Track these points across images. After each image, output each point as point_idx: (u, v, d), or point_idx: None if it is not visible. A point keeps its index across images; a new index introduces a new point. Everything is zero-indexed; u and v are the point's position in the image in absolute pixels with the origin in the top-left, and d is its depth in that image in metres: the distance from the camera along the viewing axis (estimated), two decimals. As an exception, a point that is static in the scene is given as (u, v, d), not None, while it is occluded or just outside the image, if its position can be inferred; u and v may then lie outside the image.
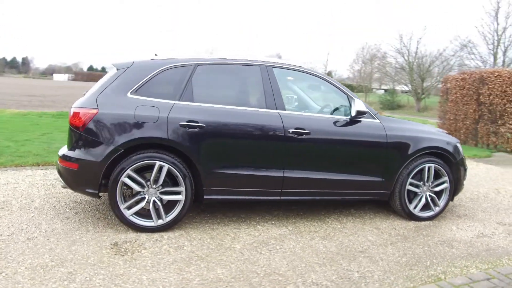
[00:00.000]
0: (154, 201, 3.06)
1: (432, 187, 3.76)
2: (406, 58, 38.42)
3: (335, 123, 3.46)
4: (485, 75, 9.89)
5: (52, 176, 4.68)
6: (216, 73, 3.38)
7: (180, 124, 3.04)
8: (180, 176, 3.06)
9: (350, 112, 3.49)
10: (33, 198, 3.79)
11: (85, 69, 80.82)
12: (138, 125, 2.99)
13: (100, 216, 3.42)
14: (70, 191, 4.12)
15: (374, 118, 3.59)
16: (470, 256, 2.96)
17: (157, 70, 3.16)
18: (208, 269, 2.54)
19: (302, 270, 2.59)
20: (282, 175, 3.30)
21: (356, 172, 3.53)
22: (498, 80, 9.45)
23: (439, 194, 3.80)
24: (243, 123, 3.21)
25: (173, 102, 3.11)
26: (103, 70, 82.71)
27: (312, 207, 3.94)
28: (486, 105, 9.67)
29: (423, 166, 3.66)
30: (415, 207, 3.72)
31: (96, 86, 3.25)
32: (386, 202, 3.80)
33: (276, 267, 2.62)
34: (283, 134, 3.26)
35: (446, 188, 3.79)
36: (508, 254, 3.02)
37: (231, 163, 3.19)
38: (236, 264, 2.63)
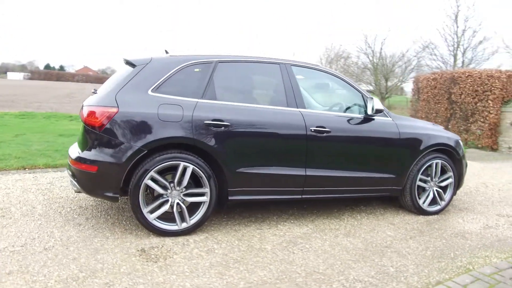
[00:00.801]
0: (177, 204, 2.96)
1: (439, 182, 3.95)
2: (371, 58, 40.04)
3: (351, 121, 3.53)
4: (456, 75, 10.52)
5: (43, 180, 4.38)
6: (236, 70, 3.32)
7: (205, 123, 2.95)
8: (204, 177, 2.98)
9: (366, 110, 3.58)
10: (33, 204, 3.53)
11: (41, 68, 76.08)
12: (162, 124, 2.87)
13: (114, 221, 3.24)
14: (71, 196, 3.89)
15: (387, 116, 3.70)
16: (486, 246, 3.14)
17: (178, 67, 3.04)
18: (248, 271, 2.49)
19: (340, 268, 2.62)
20: (304, 173, 3.31)
21: (371, 169, 3.62)
22: (469, 80, 10.09)
23: (444, 189, 3.99)
24: (267, 121, 3.18)
25: (196, 100, 3.02)
26: (61, 69, 78.33)
27: (325, 205, 3.99)
28: (458, 104, 10.31)
29: (431, 162, 3.84)
30: (423, 202, 3.88)
31: (111, 83, 3.08)
32: (391, 197, 3.92)
33: (314, 266, 2.62)
34: (305, 133, 3.27)
35: (451, 183, 3.99)
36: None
37: (255, 162, 3.15)
38: (275, 265, 2.60)
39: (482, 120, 9.61)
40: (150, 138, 2.83)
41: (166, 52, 3.55)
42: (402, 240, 3.21)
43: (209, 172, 2.99)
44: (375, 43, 40.78)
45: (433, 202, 3.94)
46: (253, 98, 3.32)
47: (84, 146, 2.93)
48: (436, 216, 3.90)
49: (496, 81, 9.48)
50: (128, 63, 3.09)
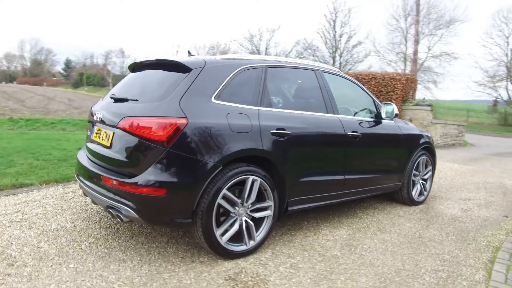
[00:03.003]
0: (245, 221, 2.78)
1: (423, 176, 4.65)
2: None
3: (370, 124, 3.87)
4: (360, 76, 12.17)
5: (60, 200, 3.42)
6: (283, 76, 3.27)
7: (271, 133, 2.85)
8: (269, 189, 2.88)
9: (379, 114, 3.97)
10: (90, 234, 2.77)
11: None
12: (235, 136, 2.65)
13: (166, 246, 2.83)
14: (90, 220, 3.17)
15: (388, 119, 4.18)
16: (483, 227, 3.88)
17: (234, 72, 2.85)
18: (352, 280, 2.56)
19: (411, 262, 2.90)
20: (343, 177, 3.50)
21: (386, 168, 4.05)
22: (374, 82, 11.82)
23: (425, 180, 4.72)
24: (319, 129, 3.25)
25: (257, 108, 2.88)
26: None
27: (333, 206, 4.25)
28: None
29: (420, 158, 4.50)
30: (414, 194, 4.53)
31: (157, 88, 2.68)
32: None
33: (393, 264, 2.84)
34: (345, 139, 3.46)
35: (430, 175, 4.75)
36: (500, 221, 4.11)
37: (310, 170, 3.18)
38: (364, 270, 2.72)
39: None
40: (225, 152, 2.58)
41: (189, 53, 3.26)
42: (423, 229, 3.71)
43: (273, 184, 2.90)
44: (260, 43, 43.30)
45: (420, 193, 4.62)
46: (300, 104, 3.33)
47: (141, 166, 2.47)
48: (424, 205, 4.59)
49: (398, 83, 11.37)
50: (179, 65, 2.72)
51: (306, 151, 3.15)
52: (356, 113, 3.91)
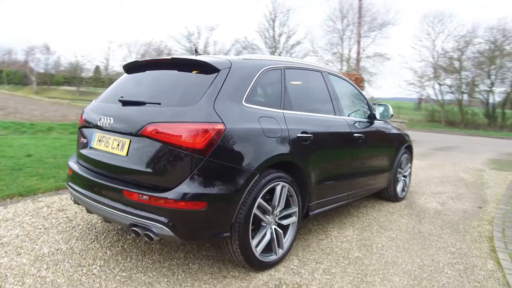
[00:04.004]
0: (274, 230, 2.70)
1: (404, 173, 4.95)
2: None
3: (367, 125, 3.99)
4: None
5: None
6: (298, 78, 3.21)
7: (297, 137, 2.80)
8: (295, 195, 2.83)
9: (372, 114, 4.12)
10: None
11: None
12: (268, 141, 2.55)
13: (186, 262, 2.62)
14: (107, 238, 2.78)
15: (378, 120, 4.37)
16: (467, 218, 4.24)
17: (259, 73, 2.74)
18: (387, 280, 2.62)
19: (427, 257, 3.06)
20: (351, 178, 3.57)
21: (381, 167, 4.22)
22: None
23: (405, 177, 5.03)
24: (333, 131, 3.28)
25: (281, 111, 2.81)
26: None
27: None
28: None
29: (403, 156, 4.78)
30: (399, 191, 4.80)
31: (189, 90, 2.46)
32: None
33: (415, 261, 2.97)
34: (351, 140, 3.53)
35: (410, 172, 5.08)
36: (477, 212, 4.52)
37: (327, 173, 3.19)
38: (393, 269, 2.80)
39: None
40: (261, 158, 2.47)
41: (196, 51, 3.08)
42: (418, 224, 3.94)
43: (297, 189, 2.86)
44: (199, 41, 42.87)
45: (402, 189, 4.92)
46: (314, 107, 3.30)
47: (175, 177, 2.24)
48: (407, 201, 4.89)
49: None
50: (204, 65, 2.53)
51: (324, 154, 3.15)
52: (351, 113, 4.02)
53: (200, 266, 2.68)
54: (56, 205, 3.81)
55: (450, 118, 26.73)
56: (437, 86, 26.42)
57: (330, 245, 3.21)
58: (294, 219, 2.86)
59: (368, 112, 4.16)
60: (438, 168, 7.62)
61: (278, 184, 2.65)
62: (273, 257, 2.69)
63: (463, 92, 24.87)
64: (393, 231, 3.69)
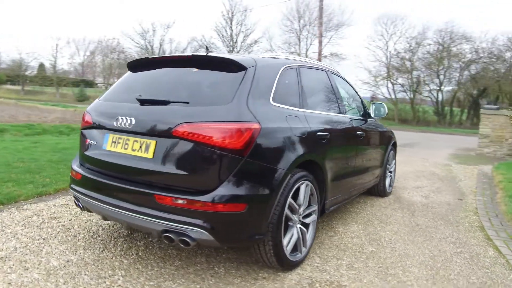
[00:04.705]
0: (299, 229, 2.73)
1: (390, 169, 5.20)
2: (150, 54, 41.11)
3: (364, 123, 4.15)
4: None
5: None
6: (310, 77, 3.25)
7: (317, 135, 2.84)
8: (315, 193, 2.88)
9: (367, 112, 4.29)
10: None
11: None
12: (296, 140, 2.57)
13: (212, 266, 2.56)
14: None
15: (372, 118, 4.56)
16: (453, 210, 4.56)
17: (280, 72, 2.75)
18: (408, 272, 2.75)
19: (434, 249, 3.25)
20: (355, 175, 3.70)
21: (375, 164, 4.41)
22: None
23: (391, 172, 5.29)
24: (343, 129, 3.37)
25: (302, 110, 2.84)
26: None
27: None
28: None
29: (390, 152, 5.03)
30: (387, 186, 5.04)
31: (218, 89, 2.41)
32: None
33: (424, 252, 3.14)
34: (355, 137, 3.65)
35: (394, 167, 5.35)
36: (460, 204, 4.87)
37: (339, 170, 3.28)
38: (410, 260, 2.95)
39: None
40: (291, 158, 2.48)
41: (207, 49, 3.03)
42: (412, 217, 4.17)
43: (317, 187, 2.91)
44: (153, 39, 41.89)
45: (389, 185, 5.17)
46: (323, 105, 3.36)
47: (213, 179, 2.18)
48: (396, 195, 5.15)
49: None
50: (231, 63, 2.48)
51: (336, 152, 3.24)
52: (350, 111, 4.15)
53: (226, 269, 2.64)
54: (46, 213, 3.54)
55: (403, 115, 28.38)
56: (390, 85, 27.94)
57: (342, 241, 3.30)
58: (314, 217, 2.91)
59: (362, 110, 4.32)
60: (409, 164, 8.07)
61: (303, 183, 2.68)
62: (299, 256, 2.72)
63: (414, 91, 26.53)
64: (393, 224, 3.87)
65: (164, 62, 2.80)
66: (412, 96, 26.58)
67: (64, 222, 3.37)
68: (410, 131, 22.45)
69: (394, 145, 5.21)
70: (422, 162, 8.43)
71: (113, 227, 3.32)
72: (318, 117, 3.01)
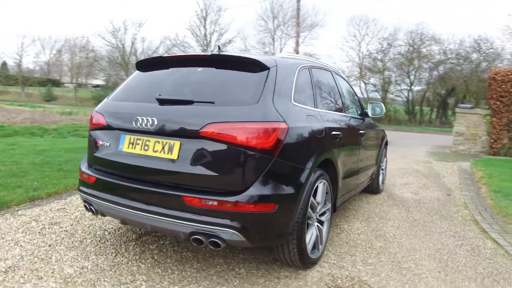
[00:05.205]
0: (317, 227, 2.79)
1: (382, 166, 5.39)
2: (121, 53, 40.18)
3: (363, 122, 4.27)
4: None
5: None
6: (320, 77, 3.30)
7: (332, 134, 2.91)
8: (330, 192, 2.95)
9: (365, 112, 4.42)
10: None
11: None
12: (317, 139, 2.63)
13: (233, 267, 2.57)
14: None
15: (368, 116, 4.71)
16: (445, 205, 4.78)
17: (297, 72, 2.79)
18: (420, 265, 2.87)
19: (435, 243, 3.41)
20: (358, 173, 3.81)
21: (373, 162, 4.55)
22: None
23: (383, 170, 5.48)
24: (350, 128, 3.46)
25: (317, 109, 2.90)
26: None
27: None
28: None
29: (383, 151, 5.20)
30: (380, 183, 5.21)
31: (243, 89, 2.41)
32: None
33: (429, 246, 3.29)
34: (359, 136, 3.76)
35: (386, 165, 5.54)
36: (449, 199, 5.11)
37: (347, 169, 3.36)
38: (418, 254, 3.08)
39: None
40: (314, 157, 2.53)
41: (219, 48, 3.03)
42: (409, 213, 4.35)
43: (331, 186, 2.98)
44: (125, 37, 41.01)
45: (382, 182, 5.35)
46: (331, 105, 3.44)
47: (243, 180, 2.18)
48: (388, 191, 5.33)
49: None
50: (255, 63, 2.49)
51: (346, 151, 3.32)
52: (351, 110, 4.26)
53: (247, 269, 2.65)
54: (44, 218, 3.40)
55: (375, 114, 29.17)
56: (363, 85, 28.70)
57: (351, 238, 3.39)
58: (328, 215, 2.97)
59: (360, 109, 4.45)
60: (391, 162, 8.35)
61: (321, 182, 2.73)
62: (317, 254, 2.77)
63: (386, 91, 27.40)
64: (393, 220, 4.02)
65: (181, 61, 2.76)
66: (383, 95, 27.43)
67: (66, 227, 3.25)
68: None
69: (386, 143, 5.40)
70: (403, 159, 8.75)
71: (118, 231, 3.25)
72: (331, 116, 3.09)
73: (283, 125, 2.30)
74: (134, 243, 3.00)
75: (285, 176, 2.32)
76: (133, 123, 2.44)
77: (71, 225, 3.31)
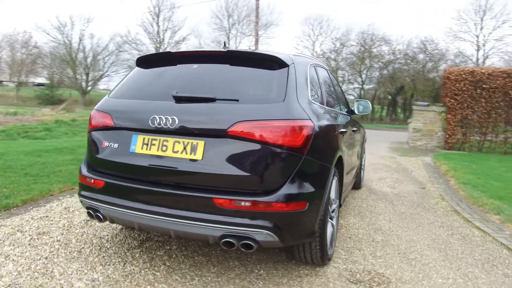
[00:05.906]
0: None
1: (363, 162, 5.60)
2: (68, 49, 38.06)
3: (351, 119, 4.40)
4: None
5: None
6: (321, 74, 3.33)
7: (340, 132, 2.97)
8: (338, 189, 3.01)
9: (351, 109, 4.57)
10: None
11: None
12: (333, 137, 2.67)
13: (251, 269, 2.52)
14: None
15: (354, 114, 4.85)
16: (424, 197, 5.08)
17: (308, 70, 2.80)
18: (424, 255, 3.03)
19: (430, 233, 3.62)
20: (352, 169, 3.93)
21: (358, 158, 4.70)
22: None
23: (362, 166, 5.70)
24: (348, 125, 3.55)
25: (327, 107, 2.94)
26: None
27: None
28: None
29: (364, 147, 5.41)
30: (362, 179, 5.42)
31: (267, 86, 2.38)
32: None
33: (424, 237, 3.47)
34: (352, 133, 3.88)
35: (364, 162, 5.76)
36: (426, 192, 5.43)
37: (348, 166, 3.44)
38: (418, 245, 3.24)
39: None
40: (334, 154, 2.59)
41: (225, 45, 2.99)
42: (394, 206, 4.56)
43: (339, 183, 3.04)
44: (72, 34, 39.10)
45: (362, 177, 5.57)
46: (334, 103, 3.49)
47: (275, 179, 2.15)
48: (364, 187, 5.55)
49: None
50: (275, 60, 2.46)
51: (347, 148, 3.40)
52: (342, 108, 4.38)
53: (266, 270, 2.62)
54: (28, 228, 3.12)
55: (330, 112, 30.25)
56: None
57: (352, 233, 3.49)
58: (337, 211, 3.03)
59: (347, 107, 4.58)
60: (361, 157, 8.74)
61: (334, 179, 2.78)
62: (331, 250, 2.82)
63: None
64: (383, 214, 4.19)
65: (192, 58, 2.66)
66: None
67: (57, 237, 3.00)
68: (339, 127, 24.14)
69: (365, 140, 5.62)
70: (370, 155, 9.14)
71: (116, 238, 3.06)
72: (338, 114, 3.15)
73: (309, 123, 2.30)
74: (139, 250, 2.84)
75: (313, 174, 2.33)
76: (150, 122, 2.31)
77: (61, 234, 3.06)
